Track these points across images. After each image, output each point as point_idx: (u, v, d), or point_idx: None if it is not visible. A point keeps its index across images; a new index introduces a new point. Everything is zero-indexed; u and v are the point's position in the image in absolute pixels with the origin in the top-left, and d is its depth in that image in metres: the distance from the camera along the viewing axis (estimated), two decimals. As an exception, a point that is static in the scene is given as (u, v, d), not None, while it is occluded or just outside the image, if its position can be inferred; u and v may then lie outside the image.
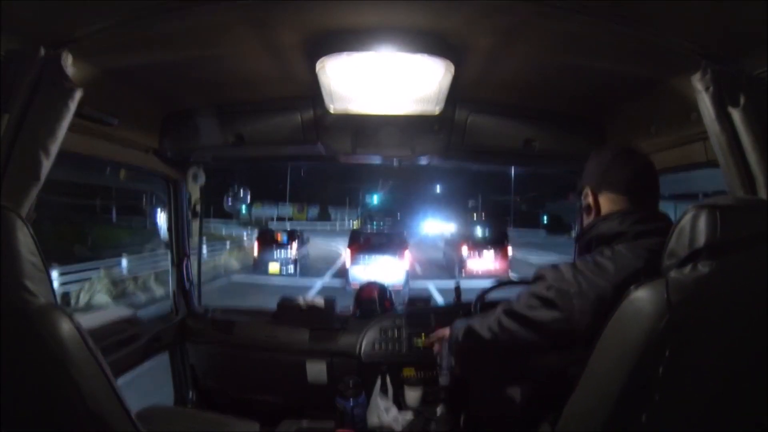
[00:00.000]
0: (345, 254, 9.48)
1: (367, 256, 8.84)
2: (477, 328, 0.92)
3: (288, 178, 36.44)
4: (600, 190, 0.89)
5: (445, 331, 1.23)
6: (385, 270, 8.45)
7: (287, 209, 38.30)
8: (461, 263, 10.40)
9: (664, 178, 1.00)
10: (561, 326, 0.76)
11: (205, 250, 9.51)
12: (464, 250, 10.48)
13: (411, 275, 9.25)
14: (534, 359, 0.84)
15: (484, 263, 10.21)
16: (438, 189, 41.85)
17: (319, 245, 18.35)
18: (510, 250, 10.67)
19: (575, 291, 0.75)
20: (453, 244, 11.78)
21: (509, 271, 10.23)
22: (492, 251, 10.35)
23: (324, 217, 43.47)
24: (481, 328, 0.90)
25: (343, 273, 9.20)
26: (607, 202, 0.88)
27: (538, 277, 0.84)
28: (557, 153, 1.52)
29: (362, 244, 9.35)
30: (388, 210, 38.91)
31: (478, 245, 10.62)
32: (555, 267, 0.82)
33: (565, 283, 0.77)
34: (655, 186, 0.89)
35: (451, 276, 10.48)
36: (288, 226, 33.50)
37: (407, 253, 9.13)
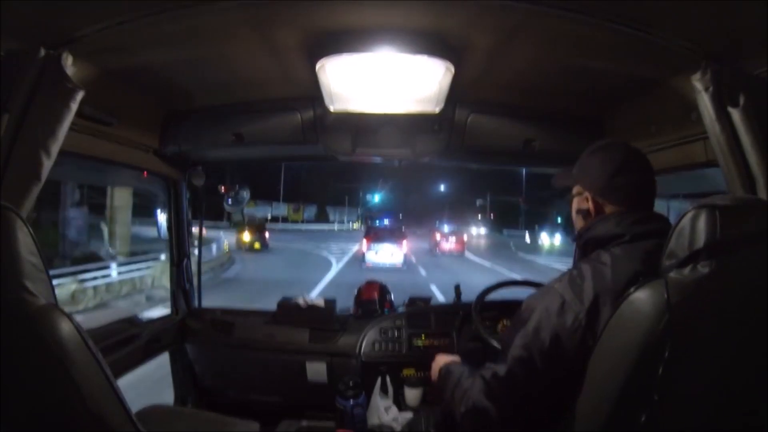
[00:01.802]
0: (361, 243, 13.70)
1: (377, 245, 12.31)
2: (484, 406, 0.79)
3: (282, 176, 34.31)
4: (603, 197, 0.84)
5: (446, 360, 1.11)
6: (390, 254, 12.20)
7: (282, 209, 36.14)
8: (436, 245, 17.80)
9: (663, 178, 0.99)
10: (569, 347, 0.72)
11: (114, 272, 7.76)
12: (437, 237, 18.26)
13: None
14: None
15: (449, 245, 17.69)
16: (442, 188, 40.29)
17: (304, 254, 15.02)
18: (465, 237, 19.30)
19: (579, 309, 0.72)
20: (432, 234, 19.71)
21: (465, 250, 17.63)
22: (453, 238, 18.00)
23: (322, 217, 41.18)
24: (481, 403, 0.80)
25: (359, 257, 13.10)
26: (607, 210, 0.85)
27: (528, 309, 0.79)
28: (557, 153, 1.52)
29: (373, 236, 13.07)
30: (389, 210, 38.40)
31: (445, 235, 18.34)
32: (550, 290, 0.78)
33: (566, 306, 0.74)
34: (654, 188, 0.86)
35: (432, 254, 17.15)
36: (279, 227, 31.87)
37: (405, 243, 13.01)
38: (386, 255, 12.01)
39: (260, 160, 2.06)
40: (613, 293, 0.71)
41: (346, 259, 14.39)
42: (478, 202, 38.50)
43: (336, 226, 39.41)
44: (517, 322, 0.81)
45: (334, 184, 40.31)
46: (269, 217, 33.82)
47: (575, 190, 0.92)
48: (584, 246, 0.86)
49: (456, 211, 36.29)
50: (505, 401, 0.79)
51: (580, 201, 0.89)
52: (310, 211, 40.40)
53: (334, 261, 13.72)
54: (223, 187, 1.97)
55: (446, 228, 19.85)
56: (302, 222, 37.50)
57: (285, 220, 35.99)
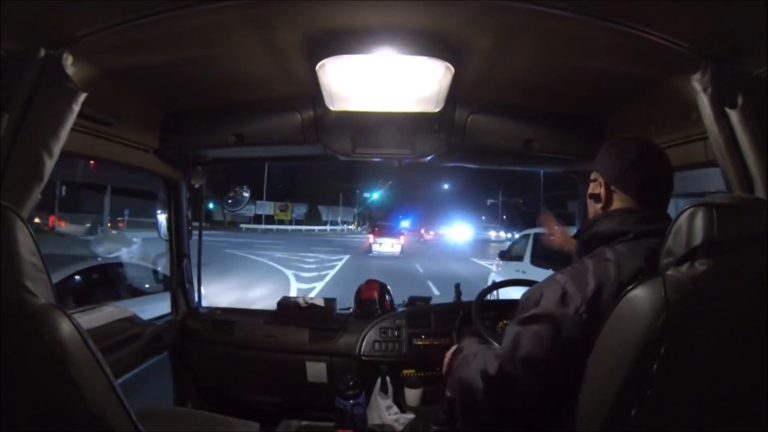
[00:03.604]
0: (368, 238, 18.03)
1: (381, 239, 16.33)
2: (475, 385, 0.79)
3: (266, 170, 30.26)
4: (616, 186, 0.86)
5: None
6: (391, 246, 16.00)
7: (268, 207, 31.64)
8: (422, 236, 28.94)
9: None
10: (570, 340, 0.72)
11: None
12: (422, 231, 30.81)
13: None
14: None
15: (430, 236, 30.37)
16: (446, 187, 38.52)
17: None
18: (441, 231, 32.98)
19: (581, 302, 0.72)
20: (419, 229, 31.67)
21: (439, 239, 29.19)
22: (433, 231, 32.27)
23: (313, 217, 36.56)
24: (477, 383, 0.79)
25: (368, 249, 16.43)
26: (618, 199, 0.86)
27: (530, 299, 0.80)
28: (557, 153, 1.52)
29: (378, 232, 17.42)
30: (388, 210, 37.78)
31: (428, 229, 31.84)
32: (552, 281, 0.78)
33: (568, 297, 0.74)
34: (670, 188, 0.87)
35: (419, 241, 26.53)
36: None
37: (402, 238, 17.52)
38: (388, 246, 15.97)
39: (260, 160, 2.05)
40: (615, 289, 0.71)
41: (320, 286, 8.43)
42: (489, 201, 36.80)
43: (328, 228, 35.39)
44: (519, 312, 0.81)
45: (328, 182, 37.03)
46: (252, 216, 29.76)
47: (591, 176, 0.93)
48: (587, 243, 0.86)
49: (464, 212, 34.84)
50: (502, 389, 0.77)
51: (594, 186, 0.91)
52: (299, 210, 35.35)
53: (294, 293, 7.66)
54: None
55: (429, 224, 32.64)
56: (290, 222, 33.09)
57: (270, 219, 31.52)
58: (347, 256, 14.46)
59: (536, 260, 5.20)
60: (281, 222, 32.60)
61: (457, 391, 0.85)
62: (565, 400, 0.73)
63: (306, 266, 11.41)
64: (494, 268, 6.49)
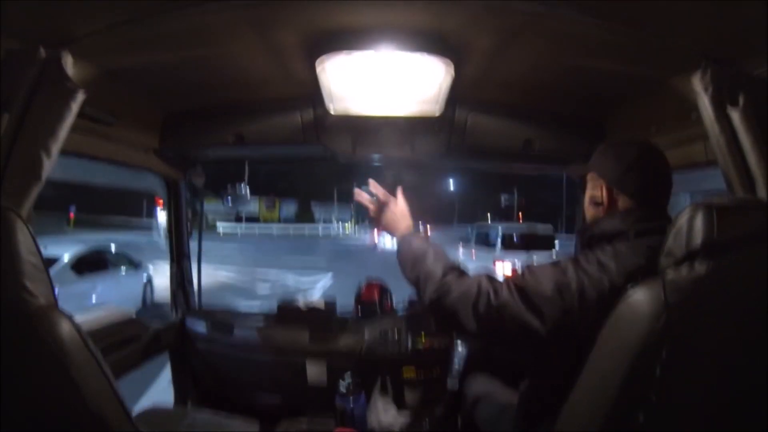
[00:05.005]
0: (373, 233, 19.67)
1: (383, 234, 16.98)
2: (457, 307, 0.80)
3: (246, 163, 26.02)
4: (617, 188, 0.87)
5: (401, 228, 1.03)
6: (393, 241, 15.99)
7: (253, 205, 27.87)
8: None
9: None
10: (561, 322, 0.74)
11: None
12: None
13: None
14: (531, 357, 0.82)
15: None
16: (451, 185, 33.99)
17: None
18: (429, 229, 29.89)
19: (577, 288, 0.74)
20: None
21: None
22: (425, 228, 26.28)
23: (305, 215, 32.52)
24: (465, 308, 0.79)
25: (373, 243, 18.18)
26: (620, 201, 0.87)
27: (532, 272, 0.81)
28: (557, 153, 1.52)
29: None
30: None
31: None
32: (556, 263, 0.80)
33: (566, 279, 0.76)
34: (669, 187, 0.88)
35: None
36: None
37: None
38: (389, 242, 17.48)
39: (260, 160, 2.05)
40: (611, 283, 0.73)
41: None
42: (503, 198, 34.62)
43: (320, 228, 30.36)
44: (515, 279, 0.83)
45: (321, 176, 32.33)
46: (234, 216, 25.49)
47: (589, 176, 0.94)
48: (588, 241, 0.87)
49: (468, 211, 32.21)
50: (487, 320, 0.79)
51: (594, 188, 0.91)
52: (289, 207, 31.51)
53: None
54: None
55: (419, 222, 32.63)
56: (278, 222, 29.44)
57: (253, 219, 27.71)
58: (327, 276, 9.53)
59: (476, 244, 9.15)
60: (267, 221, 28.68)
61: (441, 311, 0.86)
62: (563, 399, 0.73)
63: (248, 303, 6.77)
64: (460, 249, 10.00)
